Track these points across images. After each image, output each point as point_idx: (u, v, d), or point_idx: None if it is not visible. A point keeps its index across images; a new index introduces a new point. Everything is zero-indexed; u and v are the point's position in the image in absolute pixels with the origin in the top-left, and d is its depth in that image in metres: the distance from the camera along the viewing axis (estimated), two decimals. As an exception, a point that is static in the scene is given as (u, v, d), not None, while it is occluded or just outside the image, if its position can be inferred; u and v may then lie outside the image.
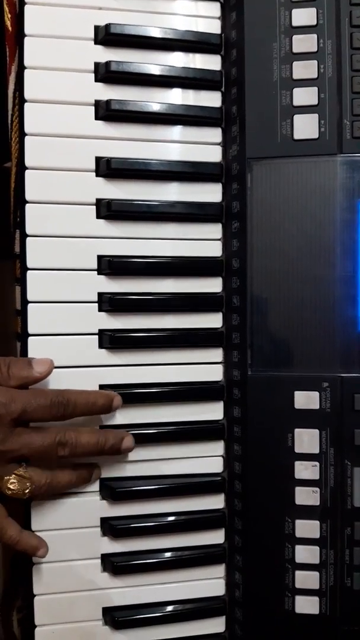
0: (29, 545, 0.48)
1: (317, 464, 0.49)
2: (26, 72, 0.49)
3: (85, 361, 0.50)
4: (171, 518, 0.52)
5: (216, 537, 0.53)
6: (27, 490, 0.46)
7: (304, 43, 0.49)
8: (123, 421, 0.51)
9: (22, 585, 0.52)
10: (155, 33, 0.51)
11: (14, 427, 0.46)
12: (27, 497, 0.46)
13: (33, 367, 0.47)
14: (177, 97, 0.52)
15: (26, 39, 0.49)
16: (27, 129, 0.49)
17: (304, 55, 0.49)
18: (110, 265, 0.50)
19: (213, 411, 0.53)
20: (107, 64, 0.50)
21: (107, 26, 0.50)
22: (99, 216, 0.50)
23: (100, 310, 0.51)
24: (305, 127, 0.49)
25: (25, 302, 0.49)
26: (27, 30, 0.49)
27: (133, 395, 0.51)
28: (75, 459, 0.49)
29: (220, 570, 0.53)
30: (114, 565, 0.50)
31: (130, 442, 0.50)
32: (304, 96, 0.49)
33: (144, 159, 0.51)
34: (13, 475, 0.46)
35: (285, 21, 0.50)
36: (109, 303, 0.50)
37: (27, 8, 0.49)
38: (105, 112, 0.50)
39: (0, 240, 0.54)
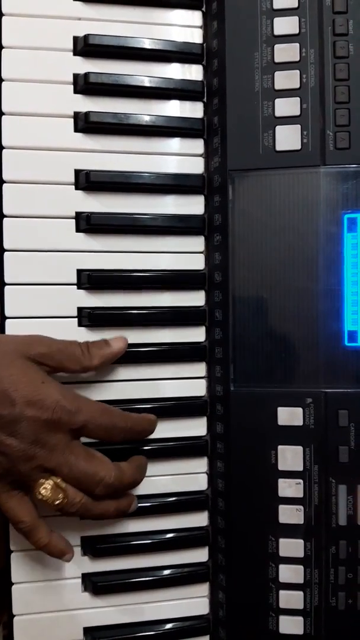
0: (57, 549, 0.46)
1: (301, 481, 0.48)
2: (3, 84, 0.48)
3: (65, 377, 0.49)
4: (154, 536, 0.51)
5: (200, 555, 0.52)
6: (57, 502, 0.44)
7: (286, 52, 0.49)
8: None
9: (8, 600, 0.51)
10: (135, 43, 0.50)
11: (71, 439, 0.45)
12: (56, 508, 0.44)
13: (111, 345, 0.48)
14: (158, 108, 0.51)
15: (3, 51, 0.48)
16: (4, 142, 0.48)
17: (286, 65, 0.48)
18: (90, 280, 0.49)
19: (196, 427, 0.52)
20: (86, 75, 0.49)
21: (86, 37, 0.49)
22: (78, 230, 0.50)
23: (80, 325, 0.50)
24: (288, 138, 0.48)
25: (3, 317, 0.49)
26: (4, 42, 0.48)
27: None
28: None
29: (204, 588, 0.52)
30: (95, 585, 0.50)
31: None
32: (286, 107, 0.48)
33: (124, 171, 0.50)
34: (50, 481, 0.44)
35: (267, 30, 0.49)
36: (88, 318, 0.49)
37: (4, 19, 0.49)
38: (85, 124, 0.49)
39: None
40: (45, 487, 0.44)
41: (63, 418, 0.44)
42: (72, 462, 0.44)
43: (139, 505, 0.50)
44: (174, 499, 0.51)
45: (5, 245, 0.48)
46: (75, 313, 0.50)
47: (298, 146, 0.48)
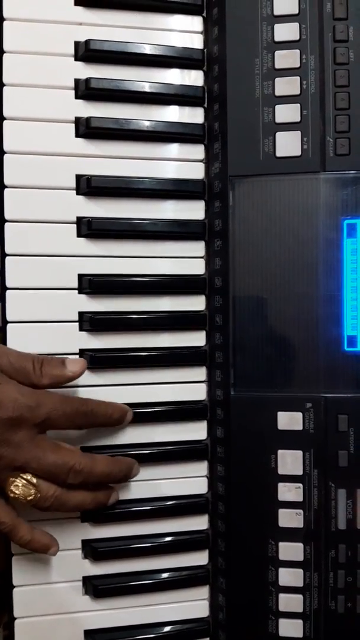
0: (40, 544, 0.47)
1: (301, 485, 0.49)
2: (5, 89, 0.49)
3: (66, 381, 0.50)
4: (154, 539, 0.51)
5: (200, 558, 0.52)
6: (30, 497, 0.44)
7: (286, 59, 0.49)
8: (105, 442, 0.50)
9: (9, 600, 0.51)
10: (136, 49, 0.50)
11: (35, 433, 0.45)
12: (30, 504, 0.45)
13: (66, 366, 0.47)
14: (159, 113, 0.51)
15: (5, 56, 0.49)
16: (6, 147, 0.49)
17: (287, 71, 0.49)
18: (91, 284, 0.50)
19: (197, 431, 0.52)
20: (87, 80, 0.49)
21: (87, 42, 0.49)
22: (79, 235, 0.50)
23: (81, 329, 0.50)
24: (288, 144, 0.49)
25: (4, 322, 0.49)
26: (5, 47, 0.49)
27: (115, 415, 0.50)
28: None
29: (204, 591, 0.53)
30: (96, 588, 0.50)
31: (138, 470, 0.50)
32: (286, 113, 0.49)
33: (125, 176, 0.50)
34: (19, 479, 0.45)
35: (268, 36, 0.49)
36: (89, 322, 0.50)
37: (5, 24, 0.49)
38: (86, 129, 0.49)
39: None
40: (16, 485, 0.44)
41: (24, 415, 0.44)
42: (39, 456, 0.45)
43: (140, 508, 0.51)
44: (174, 502, 0.52)
45: (7, 250, 0.49)
46: (76, 317, 0.50)
47: (298, 152, 0.48)
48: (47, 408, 0.45)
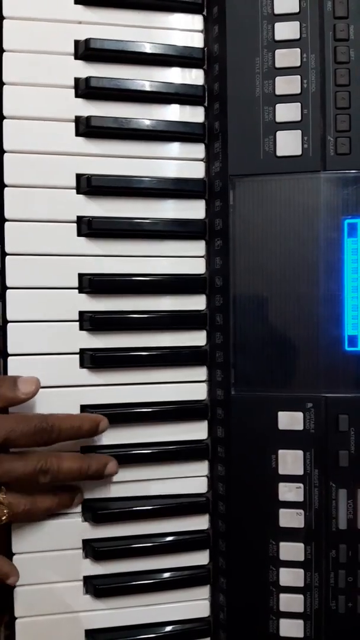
0: (1, 572, 0.47)
1: (302, 485, 0.49)
2: (5, 88, 0.48)
3: (66, 381, 0.50)
4: (155, 539, 0.51)
5: (200, 558, 0.52)
6: (3, 517, 0.45)
7: (287, 57, 0.49)
8: (105, 442, 0.50)
9: (10, 600, 0.51)
10: (136, 48, 0.50)
11: None
12: (4, 522, 0.46)
13: (19, 388, 0.46)
14: (160, 112, 0.51)
15: (5, 54, 0.48)
16: (5, 146, 0.48)
17: (287, 70, 0.49)
18: (91, 284, 0.50)
19: (197, 431, 0.52)
20: (88, 79, 0.49)
21: (87, 41, 0.49)
22: (80, 234, 0.50)
23: (81, 329, 0.50)
24: (288, 143, 0.48)
25: (4, 321, 0.49)
26: (5, 46, 0.48)
27: (115, 415, 0.50)
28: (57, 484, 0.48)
29: (204, 591, 0.53)
30: (96, 587, 0.50)
31: (114, 467, 0.49)
32: (286, 112, 0.48)
33: (125, 175, 0.50)
34: None
35: (268, 35, 0.49)
36: (90, 322, 0.50)
37: (5, 23, 0.48)
38: (86, 128, 0.49)
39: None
40: None
41: None
42: (7, 469, 0.45)
43: (140, 508, 0.51)
44: (175, 502, 0.51)
45: (7, 249, 0.48)
46: (76, 317, 0.50)
47: (299, 151, 0.48)
48: (4, 430, 0.45)
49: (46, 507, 0.48)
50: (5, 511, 0.45)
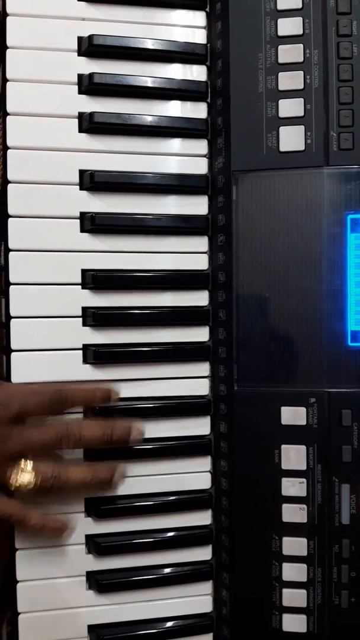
0: (54, 527, 0.47)
1: (304, 480, 0.49)
2: (8, 84, 0.49)
3: (69, 377, 0.50)
4: (158, 534, 0.51)
5: (203, 553, 0.52)
6: (32, 483, 0.45)
7: (290, 53, 0.49)
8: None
9: (13, 596, 0.51)
10: (139, 44, 0.50)
11: (13, 425, 0.46)
12: (34, 489, 0.45)
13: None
14: (162, 108, 0.51)
15: (8, 51, 0.49)
16: (9, 142, 0.49)
17: (290, 66, 0.49)
18: (94, 280, 0.50)
19: (200, 426, 0.52)
20: (91, 75, 0.49)
21: (90, 37, 0.49)
22: (83, 230, 0.50)
23: (84, 325, 0.50)
24: (291, 139, 0.48)
25: (8, 317, 0.49)
26: (9, 42, 0.49)
27: (118, 410, 0.50)
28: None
29: (207, 587, 0.53)
30: (99, 583, 0.50)
31: (139, 432, 0.49)
32: (289, 107, 0.49)
33: (128, 171, 0.50)
34: (17, 468, 0.45)
35: (271, 31, 0.49)
36: (93, 318, 0.50)
37: (9, 19, 0.49)
38: (89, 124, 0.49)
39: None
40: (15, 473, 0.45)
41: None
42: (27, 439, 0.46)
43: (143, 503, 0.51)
44: (177, 497, 0.51)
45: (11, 245, 0.49)
46: (79, 312, 0.50)
47: (302, 147, 0.48)
48: (19, 401, 0.45)
49: (80, 477, 0.47)
50: (32, 476, 0.45)
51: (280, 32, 0.49)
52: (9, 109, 0.49)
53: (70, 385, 0.48)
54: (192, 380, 0.52)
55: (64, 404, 0.47)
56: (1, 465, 0.45)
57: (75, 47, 0.50)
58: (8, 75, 0.49)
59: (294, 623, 0.49)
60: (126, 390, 0.51)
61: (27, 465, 0.46)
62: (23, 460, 0.46)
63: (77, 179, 0.50)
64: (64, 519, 0.48)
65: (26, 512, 0.47)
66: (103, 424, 0.48)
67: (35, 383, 0.48)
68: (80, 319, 0.50)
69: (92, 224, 0.49)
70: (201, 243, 0.52)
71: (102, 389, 0.49)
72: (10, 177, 0.49)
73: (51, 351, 0.49)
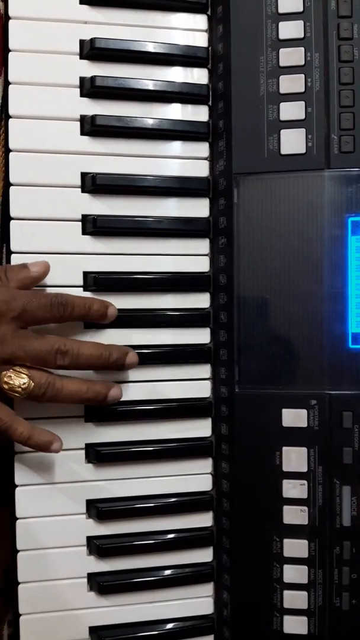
0: (41, 440, 0.47)
1: (305, 482, 0.49)
2: (10, 87, 0.49)
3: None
4: (159, 536, 0.51)
5: (204, 555, 0.52)
6: (24, 385, 0.45)
7: (291, 56, 0.49)
8: (109, 439, 0.51)
9: (14, 598, 0.51)
10: (141, 47, 0.50)
11: (16, 327, 0.46)
12: (27, 393, 0.45)
13: (29, 268, 0.47)
14: (164, 111, 0.51)
15: (10, 54, 0.49)
16: (11, 145, 0.49)
17: (291, 69, 0.49)
18: (96, 282, 0.50)
19: (201, 428, 0.52)
20: (92, 78, 0.49)
21: (92, 40, 0.49)
22: (84, 232, 0.50)
23: (85, 327, 0.50)
24: (292, 142, 0.49)
25: (10, 319, 0.49)
26: (11, 45, 0.49)
27: (119, 412, 0.50)
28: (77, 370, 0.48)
29: (208, 588, 0.53)
30: (100, 584, 0.50)
31: (135, 358, 0.49)
32: (291, 110, 0.49)
33: (130, 174, 0.50)
34: (11, 370, 0.46)
35: (272, 34, 0.49)
36: (95, 320, 0.50)
37: (11, 23, 0.49)
38: (91, 127, 0.49)
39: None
40: (9, 376, 0.45)
41: (1, 309, 0.45)
42: (24, 345, 0.46)
43: (144, 505, 0.51)
44: (178, 499, 0.52)
45: (13, 248, 0.49)
46: (81, 315, 0.50)
47: (303, 150, 0.48)
48: (22, 301, 0.46)
49: (75, 388, 0.47)
50: (25, 379, 0.45)
51: (282, 35, 0.49)
52: (11, 111, 0.49)
53: (67, 293, 0.48)
54: (193, 382, 0.52)
55: (65, 306, 0.47)
56: None
57: (77, 50, 0.50)
58: (10, 78, 0.49)
59: (295, 625, 0.49)
60: (127, 392, 0.51)
61: (22, 369, 0.46)
62: (17, 366, 0.46)
63: (78, 182, 0.50)
64: (53, 434, 0.48)
65: (15, 420, 0.46)
66: (102, 345, 0.49)
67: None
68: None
69: (93, 226, 0.50)
70: (202, 245, 0.52)
71: (100, 302, 0.49)
72: (12, 179, 0.49)
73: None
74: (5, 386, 0.45)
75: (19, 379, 0.45)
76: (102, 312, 0.49)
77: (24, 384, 0.45)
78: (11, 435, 0.47)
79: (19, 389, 0.45)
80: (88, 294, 0.50)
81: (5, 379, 0.45)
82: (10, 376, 0.45)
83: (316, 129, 0.48)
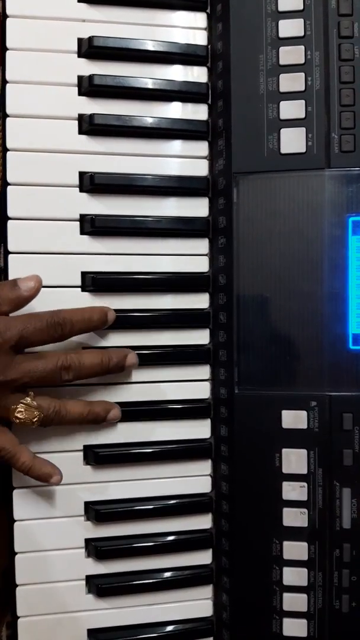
0: (42, 472, 0.47)
1: (305, 484, 0.48)
2: (8, 86, 0.48)
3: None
4: (158, 538, 0.51)
5: (203, 557, 0.52)
6: (35, 419, 0.46)
7: (291, 55, 0.48)
8: (108, 440, 0.50)
9: (12, 600, 0.51)
10: (140, 45, 0.50)
11: (14, 355, 0.46)
12: (36, 425, 0.46)
13: (20, 287, 0.46)
14: (163, 110, 0.51)
15: (8, 53, 0.48)
16: (9, 144, 0.48)
17: (291, 68, 0.48)
18: (94, 282, 0.49)
19: (200, 429, 0.52)
20: (91, 77, 0.49)
21: (90, 39, 0.49)
22: (82, 232, 0.50)
23: (88, 332, 0.50)
24: (292, 141, 0.48)
25: (8, 320, 0.49)
26: (8, 44, 0.48)
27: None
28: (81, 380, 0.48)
29: (207, 591, 0.52)
30: (99, 587, 0.50)
31: (134, 358, 0.49)
32: (291, 109, 0.48)
33: (128, 173, 0.50)
34: (20, 405, 0.46)
35: (272, 32, 0.49)
36: (93, 320, 0.49)
37: (8, 21, 0.48)
38: (89, 126, 0.49)
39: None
40: (20, 411, 0.45)
41: None
42: (29, 369, 0.46)
43: (143, 507, 0.50)
44: (177, 501, 0.51)
45: (10, 248, 0.48)
46: (79, 315, 0.50)
47: (303, 149, 0.48)
48: (17, 328, 0.45)
49: (78, 412, 0.48)
50: (35, 412, 0.46)
51: (282, 34, 0.48)
52: (8, 110, 0.48)
53: (65, 309, 0.47)
54: (193, 384, 0.52)
55: (63, 326, 0.46)
56: (3, 395, 0.45)
57: (76, 48, 0.49)
58: (8, 77, 0.48)
59: (294, 627, 0.49)
60: (125, 393, 0.51)
61: (32, 402, 0.46)
62: (26, 396, 0.46)
63: (77, 181, 0.49)
64: (53, 466, 0.48)
65: (18, 449, 0.47)
66: (100, 351, 0.49)
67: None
68: (80, 321, 0.50)
69: (92, 226, 0.49)
70: (202, 245, 0.52)
71: (99, 311, 0.48)
72: (9, 179, 0.48)
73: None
74: (17, 421, 0.46)
75: (30, 413, 0.46)
76: (103, 320, 0.48)
77: (35, 417, 0.46)
78: (13, 465, 0.47)
79: (30, 422, 0.46)
80: (86, 294, 0.50)
81: (17, 414, 0.46)
82: (22, 411, 0.46)
83: (316, 128, 0.48)
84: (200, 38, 0.51)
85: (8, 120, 0.48)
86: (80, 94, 0.49)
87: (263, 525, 0.49)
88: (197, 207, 0.52)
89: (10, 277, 0.48)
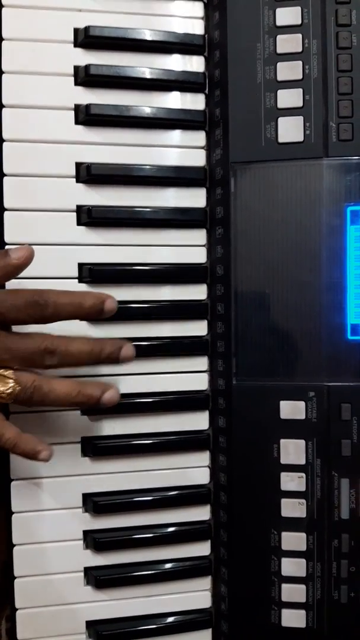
0: (28, 447, 0.44)
1: (304, 475, 0.48)
2: (4, 76, 0.48)
3: (67, 372, 0.49)
4: (156, 530, 0.51)
5: (202, 549, 0.52)
6: (9, 390, 0.42)
7: (288, 43, 0.48)
8: (106, 432, 0.50)
9: (11, 593, 0.51)
10: (136, 35, 0.49)
11: None
12: (14, 398, 0.43)
13: (10, 255, 0.43)
14: (160, 100, 0.51)
15: (4, 43, 0.48)
16: (5, 135, 0.48)
17: (289, 56, 0.48)
18: (91, 273, 0.49)
19: (198, 421, 0.52)
20: (87, 67, 0.48)
21: (87, 28, 0.48)
22: (79, 223, 0.49)
23: (81, 320, 0.49)
24: (290, 130, 0.48)
25: (4, 311, 0.48)
26: (4, 34, 0.48)
27: (116, 406, 0.49)
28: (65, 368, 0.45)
29: (206, 582, 0.52)
30: (97, 578, 0.50)
31: (131, 351, 0.46)
32: (288, 98, 0.48)
33: (125, 164, 0.50)
34: None
35: (269, 21, 0.48)
36: (90, 312, 0.49)
37: (4, 11, 0.48)
38: (85, 116, 0.49)
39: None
40: None
41: None
42: (8, 345, 0.43)
43: (142, 499, 0.50)
44: (176, 492, 0.51)
45: (6, 239, 0.48)
46: (76, 307, 0.49)
47: (300, 138, 0.48)
48: None
49: (64, 391, 0.44)
50: (10, 383, 0.42)
51: (279, 22, 0.48)
52: (4, 101, 0.48)
53: (53, 290, 0.44)
54: (191, 375, 0.52)
55: (44, 307, 0.43)
56: None
57: (72, 38, 0.49)
58: (3, 67, 0.48)
59: (293, 618, 0.49)
60: (124, 385, 0.50)
61: (7, 372, 0.43)
62: (3, 368, 0.43)
63: (73, 172, 0.49)
64: (41, 442, 0.45)
65: (1, 424, 0.44)
66: (93, 340, 0.46)
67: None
68: (77, 313, 0.50)
69: (88, 217, 0.49)
70: (199, 236, 0.52)
71: (94, 296, 0.45)
72: (5, 170, 0.48)
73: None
74: None
75: (5, 385, 0.43)
76: (98, 308, 0.45)
77: (9, 389, 0.43)
78: None
79: (4, 395, 0.43)
80: (83, 286, 0.49)
81: None
82: None
83: (314, 116, 0.48)
84: (197, 27, 0.51)
85: (4, 110, 0.48)
86: (76, 84, 0.49)
87: (261, 516, 0.49)
88: (195, 198, 0.51)
89: (7, 268, 0.48)
